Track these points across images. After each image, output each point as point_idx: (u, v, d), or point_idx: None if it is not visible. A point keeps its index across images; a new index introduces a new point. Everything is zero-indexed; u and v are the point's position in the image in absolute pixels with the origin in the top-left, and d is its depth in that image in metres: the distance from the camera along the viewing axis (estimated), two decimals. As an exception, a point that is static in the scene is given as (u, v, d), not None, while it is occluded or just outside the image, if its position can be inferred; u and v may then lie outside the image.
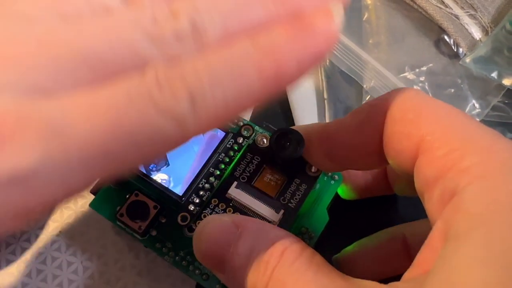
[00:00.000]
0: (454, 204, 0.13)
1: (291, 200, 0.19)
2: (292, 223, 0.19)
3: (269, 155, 0.20)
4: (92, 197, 0.22)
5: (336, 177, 0.22)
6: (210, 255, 0.16)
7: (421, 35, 0.26)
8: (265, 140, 0.20)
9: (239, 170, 0.20)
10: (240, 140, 0.21)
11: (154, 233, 0.21)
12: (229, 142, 0.21)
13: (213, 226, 0.16)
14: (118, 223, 0.21)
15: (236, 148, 0.21)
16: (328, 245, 0.21)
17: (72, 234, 0.24)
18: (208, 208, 0.20)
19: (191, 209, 0.20)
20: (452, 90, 0.25)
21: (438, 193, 0.13)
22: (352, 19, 0.27)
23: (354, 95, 0.26)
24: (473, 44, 0.25)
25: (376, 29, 0.27)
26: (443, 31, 0.26)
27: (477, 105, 0.25)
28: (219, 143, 0.21)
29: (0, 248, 0.24)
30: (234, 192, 0.19)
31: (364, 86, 0.25)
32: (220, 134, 0.21)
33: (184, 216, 0.20)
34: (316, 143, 0.18)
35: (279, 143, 0.18)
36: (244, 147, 0.21)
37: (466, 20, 0.26)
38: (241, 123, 0.23)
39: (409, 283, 0.13)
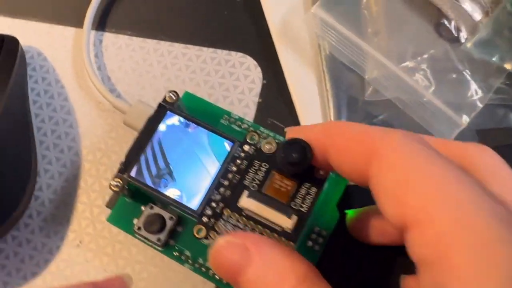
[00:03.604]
0: None
1: (302, 205, 0.20)
2: (305, 228, 0.20)
3: (277, 161, 0.20)
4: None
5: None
6: (223, 277, 0.17)
7: (421, 20, 0.26)
8: (271, 146, 0.21)
9: (248, 179, 0.20)
10: (247, 148, 0.21)
11: (172, 242, 0.22)
12: (236, 151, 0.21)
13: (224, 251, 0.17)
14: (137, 236, 0.22)
15: (243, 156, 0.21)
16: (340, 240, 0.22)
17: (91, 243, 0.25)
18: (221, 219, 0.20)
19: (205, 221, 0.20)
20: (454, 76, 0.25)
21: (429, 280, 0.13)
22: (350, 8, 0.26)
23: (357, 85, 0.26)
24: (473, 26, 0.25)
25: (375, 16, 0.26)
26: (442, 14, 0.26)
27: (479, 90, 0.25)
28: (227, 154, 0.21)
29: (24, 261, 0.25)
30: (246, 202, 0.19)
31: (366, 77, 0.25)
32: (228, 144, 0.21)
33: (200, 229, 0.20)
34: (318, 150, 0.18)
35: (286, 155, 0.19)
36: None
37: (467, 3, 0.25)
38: (246, 127, 0.23)
39: None
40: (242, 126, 0.23)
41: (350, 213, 0.23)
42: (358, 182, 0.16)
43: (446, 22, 0.25)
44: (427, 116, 0.24)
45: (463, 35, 0.25)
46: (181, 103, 0.23)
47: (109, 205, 0.23)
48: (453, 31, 0.25)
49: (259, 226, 0.19)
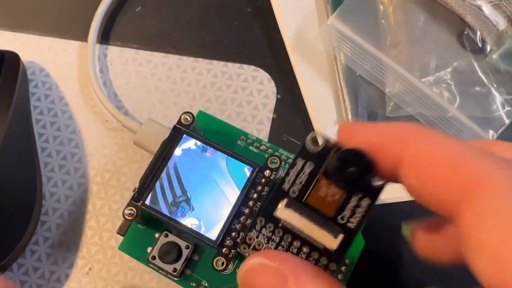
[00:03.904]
0: None
1: (351, 219, 0.16)
2: (350, 247, 0.17)
3: (326, 169, 0.16)
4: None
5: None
6: None
7: (442, 30, 0.25)
8: (318, 141, 0.16)
9: (289, 182, 0.16)
10: (268, 173, 0.20)
11: (188, 272, 0.21)
12: (257, 177, 0.20)
13: (257, 274, 0.15)
14: (151, 265, 0.21)
15: (263, 182, 0.20)
16: (364, 271, 0.21)
17: (102, 270, 0.24)
18: (254, 230, 0.17)
19: (226, 252, 0.19)
20: (478, 89, 0.24)
21: None
22: (367, 19, 0.25)
23: (377, 100, 0.25)
24: (498, 36, 0.24)
25: (394, 27, 0.25)
26: (465, 24, 0.24)
27: (505, 103, 0.24)
28: (247, 180, 0.20)
29: (31, 290, 0.24)
30: (284, 213, 0.16)
31: (386, 91, 0.24)
32: (249, 169, 0.20)
33: (219, 260, 0.19)
34: (386, 157, 0.15)
35: (340, 170, 0.15)
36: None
37: (490, 11, 0.24)
38: (264, 149, 0.22)
39: None
40: (260, 148, 0.22)
41: (406, 228, 0.19)
42: (434, 209, 0.13)
43: (469, 33, 0.24)
44: (452, 132, 0.23)
45: (488, 46, 0.24)
46: (196, 124, 0.22)
47: (121, 231, 0.22)
48: (478, 42, 0.24)
49: (298, 242, 0.16)
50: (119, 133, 0.26)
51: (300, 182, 0.16)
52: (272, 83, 0.27)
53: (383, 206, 0.24)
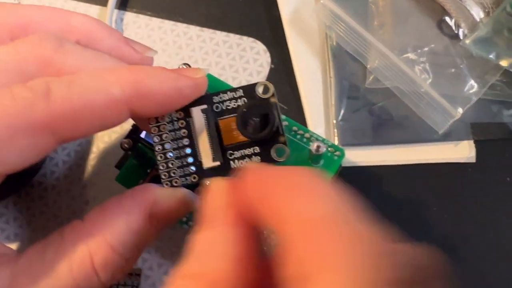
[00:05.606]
0: None
1: (236, 161, 0.18)
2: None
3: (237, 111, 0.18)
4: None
5: (338, 152, 0.24)
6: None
7: (424, 16, 0.27)
8: (260, 90, 0.19)
9: (220, 98, 0.19)
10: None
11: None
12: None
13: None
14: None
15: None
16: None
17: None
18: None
19: None
20: (452, 70, 0.26)
21: None
22: (358, 1, 0.28)
23: (359, 73, 0.28)
24: (473, 25, 0.26)
25: (382, 10, 0.28)
26: (445, 12, 0.27)
27: (475, 84, 0.26)
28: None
29: (35, 215, 0.27)
30: (197, 113, 0.18)
31: (368, 66, 0.27)
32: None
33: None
34: None
35: (245, 118, 0.18)
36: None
37: (468, 1, 0.27)
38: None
39: None
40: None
41: None
42: None
43: (448, 19, 0.27)
44: (423, 105, 0.26)
45: (463, 32, 0.27)
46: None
47: (118, 165, 0.25)
48: (454, 28, 0.27)
49: (185, 141, 0.18)
50: (126, 87, 0.29)
51: (227, 105, 0.18)
52: (268, 54, 0.29)
53: (353, 169, 0.26)
